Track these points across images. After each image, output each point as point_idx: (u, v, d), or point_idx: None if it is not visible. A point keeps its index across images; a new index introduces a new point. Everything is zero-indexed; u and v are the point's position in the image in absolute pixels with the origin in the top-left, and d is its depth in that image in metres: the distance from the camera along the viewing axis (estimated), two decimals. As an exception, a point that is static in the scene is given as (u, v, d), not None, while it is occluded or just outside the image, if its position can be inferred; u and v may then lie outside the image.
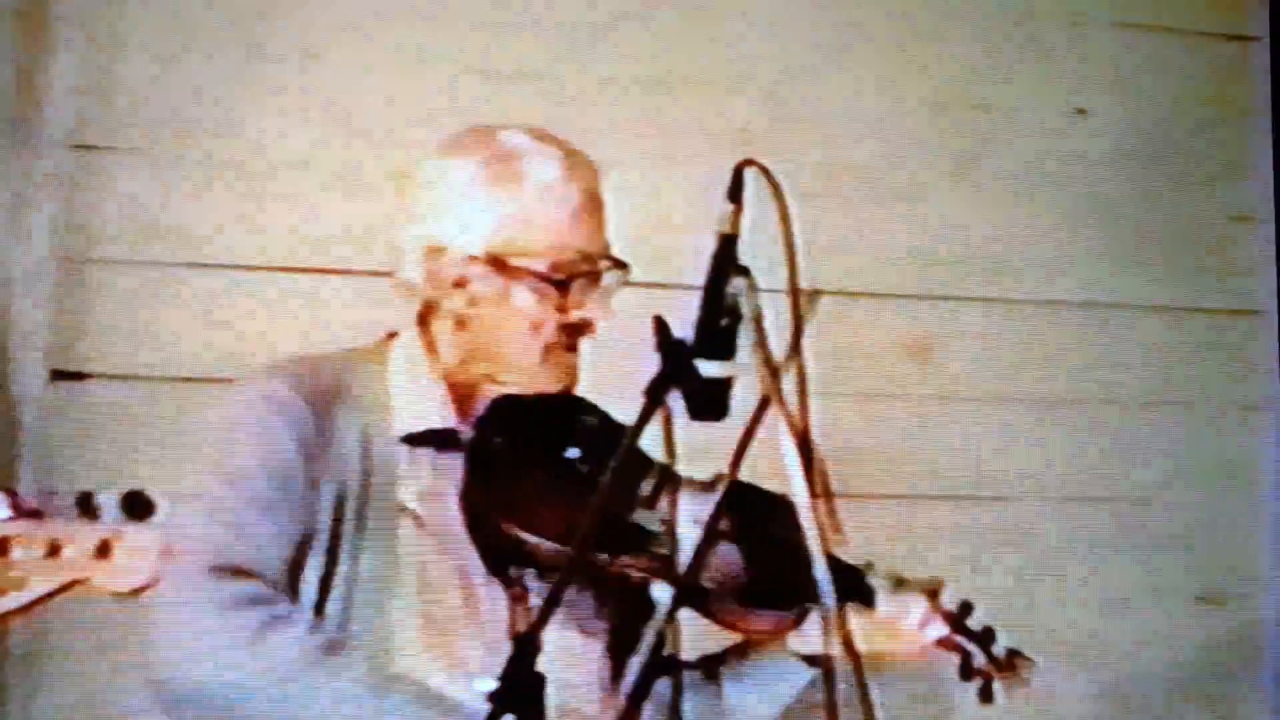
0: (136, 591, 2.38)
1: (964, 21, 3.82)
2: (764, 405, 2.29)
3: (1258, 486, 4.08)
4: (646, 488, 2.51)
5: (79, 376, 3.24)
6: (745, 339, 2.30)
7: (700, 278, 2.31)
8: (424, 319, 2.66)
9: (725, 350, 2.30)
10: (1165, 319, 4.03)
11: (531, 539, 2.52)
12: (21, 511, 2.34)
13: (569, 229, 2.63)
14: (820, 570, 2.26)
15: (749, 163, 2.31)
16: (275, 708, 2.44)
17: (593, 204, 2.67)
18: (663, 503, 2.50)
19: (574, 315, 2.64)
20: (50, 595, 2.36)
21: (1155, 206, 4.00)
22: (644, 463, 2.45)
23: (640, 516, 2.50)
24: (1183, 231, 4.06)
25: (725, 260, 2.30)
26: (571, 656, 2.52)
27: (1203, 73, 4.01)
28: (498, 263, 2.60)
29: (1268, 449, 4.09)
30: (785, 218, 2.29)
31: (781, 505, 2.36)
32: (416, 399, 2.65)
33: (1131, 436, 3.94)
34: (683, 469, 2.45)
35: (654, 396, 2.29)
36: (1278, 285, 4.16)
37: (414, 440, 2.61)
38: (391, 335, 2.71)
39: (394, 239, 2.69)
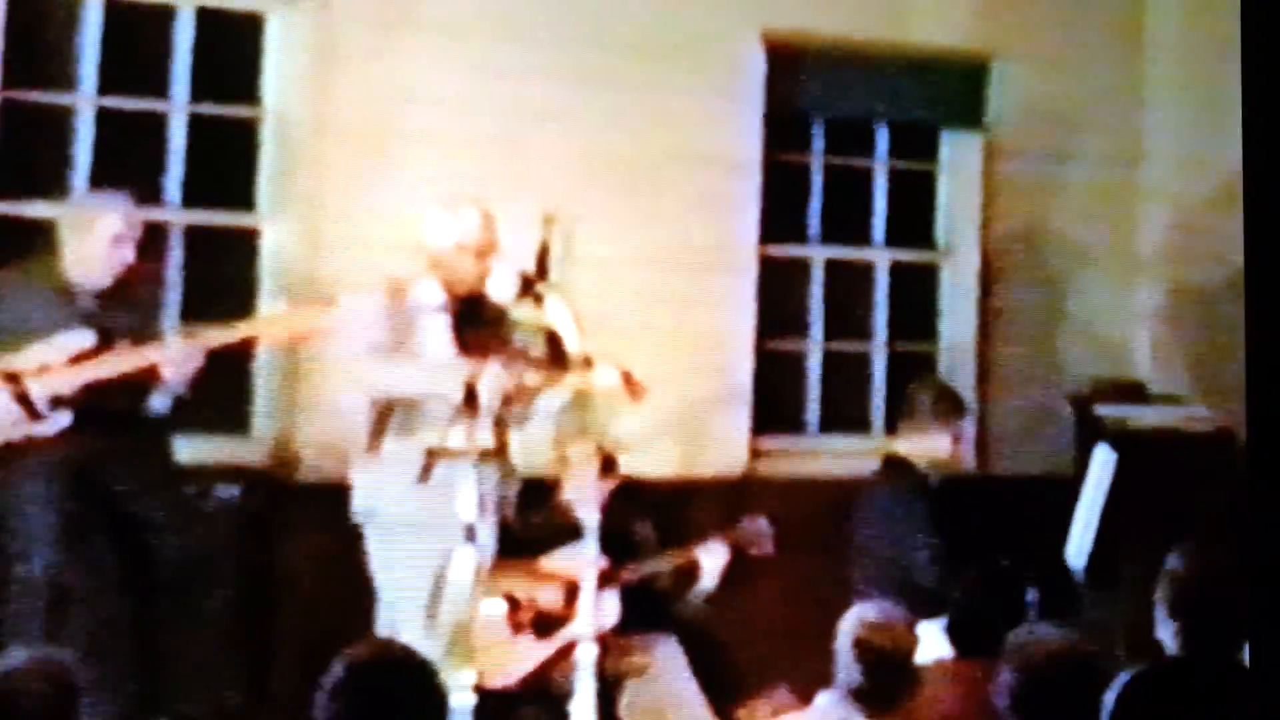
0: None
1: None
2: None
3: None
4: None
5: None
6: (552, 271, 6.75)
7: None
8: (434, 265, 7.10)
9: (545, 276, 6.73)
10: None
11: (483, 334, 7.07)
12: None
13: (482, 236, 7.09)
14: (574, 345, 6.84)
15: (551, 216, 6.79)
16: (397, 380, 6.98)
17: (490, 228, 7.09)
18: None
19: (486, 266, 7.02)
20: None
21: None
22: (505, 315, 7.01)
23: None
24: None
25: (545, 247, 6.64)
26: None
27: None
28: (459, 248, 7.07)
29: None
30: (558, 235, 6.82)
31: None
32: (433, 293, 7.08)
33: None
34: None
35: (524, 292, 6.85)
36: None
37: (433, 308, 7.11)
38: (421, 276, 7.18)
39: (429, 241, 7.19)
